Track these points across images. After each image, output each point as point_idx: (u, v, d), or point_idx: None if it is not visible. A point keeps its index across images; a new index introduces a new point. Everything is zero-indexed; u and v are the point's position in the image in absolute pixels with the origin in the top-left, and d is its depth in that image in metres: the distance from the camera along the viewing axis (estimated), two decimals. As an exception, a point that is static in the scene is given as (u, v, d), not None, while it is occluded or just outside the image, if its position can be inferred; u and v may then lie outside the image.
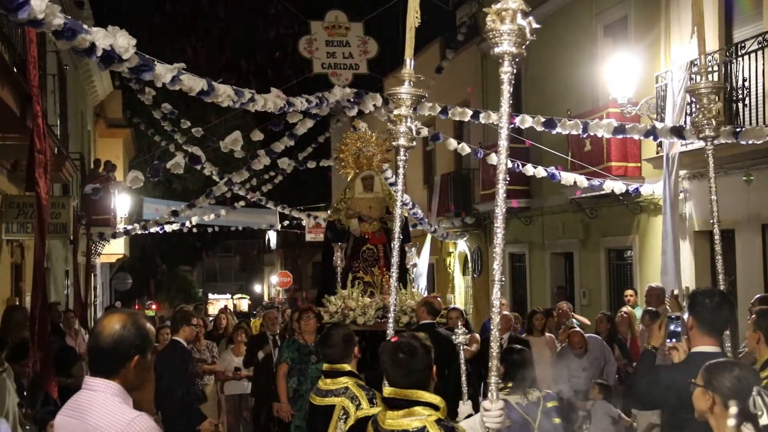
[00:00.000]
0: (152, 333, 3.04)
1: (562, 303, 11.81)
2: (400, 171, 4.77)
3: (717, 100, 5.56)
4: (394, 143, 4.71)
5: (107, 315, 3.06)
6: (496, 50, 3.30)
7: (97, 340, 2.96)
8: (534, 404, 5.32)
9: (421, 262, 20.06)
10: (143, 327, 2.99)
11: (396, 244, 4.68)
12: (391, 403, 3.44)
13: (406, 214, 11.35)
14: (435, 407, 3.37)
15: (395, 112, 4.64)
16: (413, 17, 4.52)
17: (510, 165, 6.88)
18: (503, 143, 3.30)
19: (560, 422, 5.38)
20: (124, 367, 2.93)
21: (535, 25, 3.28)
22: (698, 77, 5.69)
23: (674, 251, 10.41)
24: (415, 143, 4.71)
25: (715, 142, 5.72)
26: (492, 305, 3.29)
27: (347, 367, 4.92)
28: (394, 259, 4.70)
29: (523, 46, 3.27)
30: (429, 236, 19.28)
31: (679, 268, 10.45)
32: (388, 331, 4.60)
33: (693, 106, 9.72)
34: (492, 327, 3.29)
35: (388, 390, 3.48)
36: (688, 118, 10.09)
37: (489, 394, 3.29)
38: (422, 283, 19.58)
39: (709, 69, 6.77)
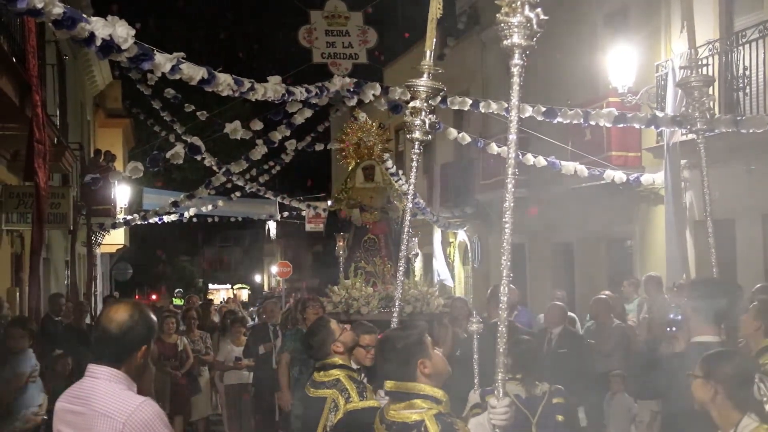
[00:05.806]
0: (156, 323, 3.10)
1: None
2: (414, 164, 4.63)
3: (709, 92, 5.50)
4: (408, 136, 4.57)
5: (113, 305, 3.10)
6: (506, 42, 3.24)
7: (106, 329, 2.99)
8: (537, 398, 5.15)
9: (436, 253, 19.98)
10: (149, 317, 3.05)
11: (405, 237, 4.62)
12: (393, 396, 3.43)
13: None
14: (437, 401, 3.33)
15: (411, 104, 4.50)
16: (435, 8, 4.39)
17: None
18: (512, 137, 3.25)
19: (564, 420, 5.18)
20: (131, 356, 2.98)
21: (543, 17, 3.22)
22: (689, 71, 5.61)
23: (679, 241, 10.34)
24: (430, 137, 4.58)
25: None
26: (500, 301, 3.24)
27: (338, 360, 4.86)
28: (402, 252, 4.62)
29: (534, 39, 3.21)
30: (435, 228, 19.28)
31: (686, 258, 10.36)
32: (392, 323, 4.51)
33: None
34: (499, 323, 3.26)
35: (390, 383, 3.47)
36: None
37: (495, 391, 3.25)
38: (443, 274, 19.42)
39: (701, 62, 6.71)
